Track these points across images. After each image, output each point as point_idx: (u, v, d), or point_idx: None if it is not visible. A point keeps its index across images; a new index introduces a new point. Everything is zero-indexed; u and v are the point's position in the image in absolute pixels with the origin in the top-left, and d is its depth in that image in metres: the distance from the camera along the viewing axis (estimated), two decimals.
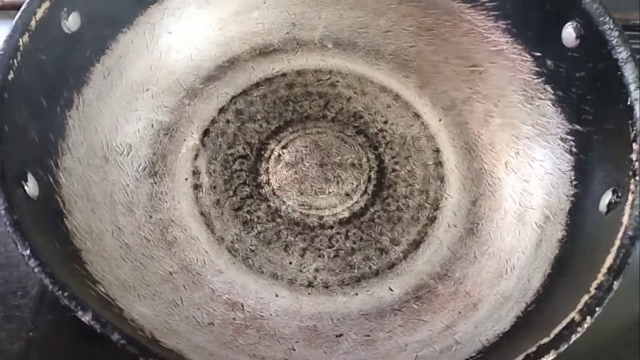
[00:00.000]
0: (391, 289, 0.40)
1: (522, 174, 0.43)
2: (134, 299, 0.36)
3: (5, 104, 0.34)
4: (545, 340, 0.29)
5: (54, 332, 0.42)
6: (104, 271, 0.36)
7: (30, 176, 0.34)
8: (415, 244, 0.42)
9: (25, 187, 0.33)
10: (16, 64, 0.35)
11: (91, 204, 0.39)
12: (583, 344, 0.35)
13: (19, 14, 0.36)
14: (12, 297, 0.43)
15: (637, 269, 0.42)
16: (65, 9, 0.38)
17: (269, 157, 0.45)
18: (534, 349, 0.29)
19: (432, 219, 0.43)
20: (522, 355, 0.28)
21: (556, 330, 0.29)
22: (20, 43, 0.35)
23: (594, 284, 0.30)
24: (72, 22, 0.39)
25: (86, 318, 0.28)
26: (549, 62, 0.42)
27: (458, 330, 0.37)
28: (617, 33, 0.37)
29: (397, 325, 0.38)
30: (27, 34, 0.36)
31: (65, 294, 0.28)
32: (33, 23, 0.36)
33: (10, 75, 0.34)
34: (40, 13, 0.36)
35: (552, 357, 0.28)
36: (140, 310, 0.35)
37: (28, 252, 0.29)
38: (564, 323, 0.29)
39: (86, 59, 0.41)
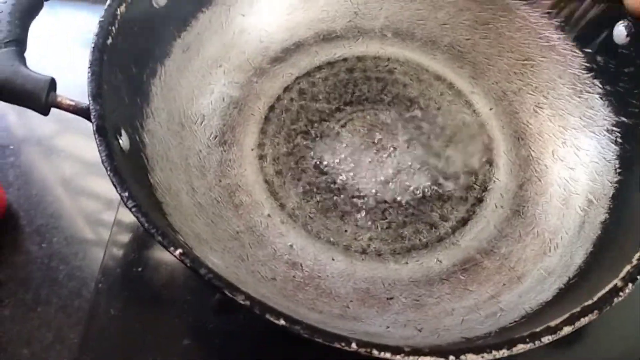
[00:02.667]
0: (439, 260, 0.43)
1: (568, 162, 0.45)
2: (207, 250, 0.39)
3: (105, 65, 0.37)
4: (589, 302, 0.31)
5: (119, 288, 0.45)
6: (182, 223, 0.39)
7: (123, 132, 0.37)
8: (464, 221, 0.44)
9: (120, 141, 0.37)
10: (114, 31, 0.39)
11: (170, 164, 0.42)
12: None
13: None
14: (74, 258, 0.47)
15: None
16: None
17: (329, 134, 0.48)
18: (578, 309, 0.31)
19: (480, 200, 0.45)
20: (567, 314, 0.31)
21: (600, 294, 0.32)
22: (118, 12, 0.39)
23: (637, 256, 0.33)
24: None
25: (177, 253, 0.31)
26: (599, 58, 0.44)
27: (502, 299, 0.39)
28: None
29: (445, 292, 0.41)
30: (124, 4, 0.40)
31: (158, 232, 0.32)
32: None
33: (109, 40, 0.38)
34: None
35: (594, 317, 0.31)
36: (213, 260, 0.38)
37: (127, 194, 0.32)
38: (607, 288, 0.32)
39: (169, 33, 0.45)
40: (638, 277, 0.32)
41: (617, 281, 0.32)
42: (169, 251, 0.31)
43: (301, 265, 0.42)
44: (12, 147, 0.52)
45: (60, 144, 0.52)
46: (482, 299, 0.40)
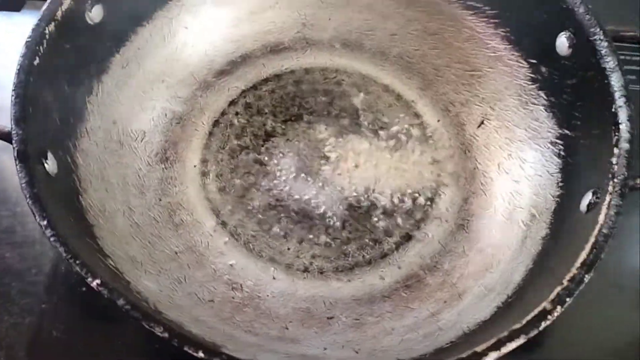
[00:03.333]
0: (382, 277, 0.42)
1: (513, 175, 0.45)
2: (140, 274, 0.38)
3: (31, 86, 0.36)
4: (517, 325, 0.31)
5: (65, 306, 0.44)
6: (114, 246, 0.38)
7: (50, 155, 0.37)
8: (408, 237, 0.44)
9: (45, 165, 0.36)
10: (42, 51, 0.38)
11: (105, 185, 0.41)
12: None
13: (46, 4, 0.39)
14: (28, 273, 0.46)
15: (637, 279, 0.44)
16: (89, 1, 0.41)
17: (274, 149, 0.47)
18: (505, 333, 0.31)
19: (426, 214, 0.45)
20: (494, 339, 0.30)
21: (528, 318, 0.31)
22: (47, 31, 0.38)
23: (567, 277, 0.32)
24: (95, 13, 0.42)
25: (95, 283, 0.30)
26: (543, 69, 0.44)
27: (442, 317, 0.39)
28: (606, 43, 0.39)
29: (386, 311, 0.40)
30: (53, 23, 0.39)
31: (77, 261, 0.31)
32: (59, 13, 0.39)
33: (37, 61, 0.37)
34: (66, 4, 0.39)
35: (521, 342, 0.30)
36: (146, 284, 0.38)
37: (45, 222, 0.32)
38: (535, 311, 0.31)
39: (107, 50, 0.44)
40: (567, 299, 0.31)
41: (545, 304, 0.32)
42: (87, 282, 0.31)
43: (241, 285, 0.41)
44: None
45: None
46: (422, 317, 0.39)
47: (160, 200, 0.44)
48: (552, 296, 0.32)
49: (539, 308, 0.32)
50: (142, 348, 0.42)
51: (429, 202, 0.45)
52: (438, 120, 0.49)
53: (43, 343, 0.42)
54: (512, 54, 0.46)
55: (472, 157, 0.47)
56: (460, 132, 0.48)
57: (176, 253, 0.42)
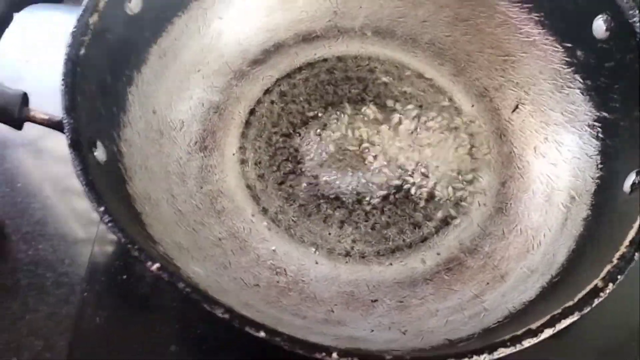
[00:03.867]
0: (423, 261, 0.43)
1: (550, 158, 0.45)
2: (188, 260, 0.39)
3: (78, 77, 0.37)
4: (570, 303, 0.31)
5: (106, 295, 0.45)
6: (162, 233, 0.39)
7: (99, 144, 0.37)
8: (447, 221, 0.44)
9: (95, 153, 0.36)
10: (87, 41, 0.38)
11: (149, 173, 0.42)
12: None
13: None
14: (61, 264, 0.46)
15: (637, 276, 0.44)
16: None
17: (311, 136, 0.47)
18: (559, 310, 0.31)
19: (463, 198, 0.45)
20: (548, 316, 0.31)
21: (580, 295, 0.32)
22: (91, 22, 0.39)
23: (617, 255, 0.33)
24: (134, 4, 0.42)
25: (155, 267, 0.31)
26: (579, 53, 0.44)
27: (486, 299, 0.39)
28: None
29: (429, 293, 0.41)
30: (96, 14, 0.39)
31: (136, 246, 0.31)
32: (101, 4, 0.39)
33: (82, 51, 0.38)
34: None
35: (575, 319, 0.31)
36: (194, 269, 0.38)
37: (103, 209, 0.32)
38: (587, 289, 0.32)
39: (145, 40, 0.45)
40: (618, 277, 0.32)
41: (597, 281, 0.32)
42: (146, 266, 0.31)
43: (285, 270, 0.42)
44: None
45: (45, 147, 0.52)
46: (465, 298, 0.40)
47: (201, 187, 0.44)
48: (602, 274, 0.32)
49: (591, 286, 0.32)
50: (181, 336, 0.43)
51: (466, 186, 0.46)
52: (472, 106, 0.49)
53: (83, 332, 0.43)
54: (547, 39, 0.46)
55: (507, 141, 0.47)
56: (495, 117, 0.48)
57: (220, 239, 0.42)
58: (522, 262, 0.41)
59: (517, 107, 0.48)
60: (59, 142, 0.49)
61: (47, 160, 0.51)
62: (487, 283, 0.40)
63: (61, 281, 0.46)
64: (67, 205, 0.49)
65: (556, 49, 0.46)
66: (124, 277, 0.45)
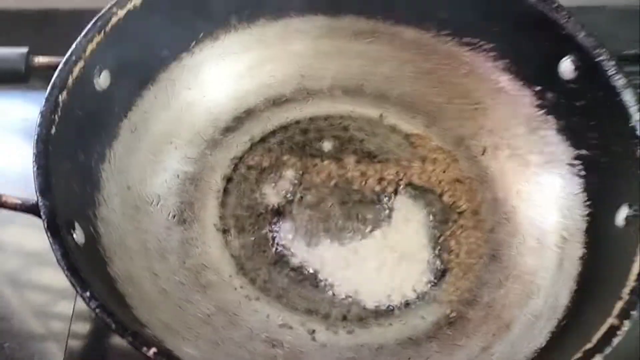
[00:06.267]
0: (423, 317, 0.41)
1: (535, 200, 0.45)
2: (179, 342, 0.36)
3: (51, 157, 0.35)
4: (589, 345, 0.30)
5: None
6: (148, 315, 0.36)
7: (77, 225, 0.35)
8: (442, 273, 0.43)
9: (74, 235, 0.34)
10: (57, 119, 0.37)
11: (129, 252, 0.40)
12: None
13: (56, 72, 0.38)
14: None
15: None
16: (97, 67, 0.40)
17: (292, 199, 0.46)
18: (579, 354, 0.30)
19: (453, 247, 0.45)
20: None
21: (598, 335, 0.31)
22: (60, 99, 0.37)
23: (626, 290, 0.32)
24: (103, 79, 0.41)
25: (151, 352, 0.28)
26: (549, 95, 0.45)
27: (495, 350, 0.38)
28: (612, 62, 0.40)
29: (434, 351, 0.39)
30: (65, 91, 0.38)
31: (128, 331, 0.29)
32: (70, 81, 0.38)
33: (53, 130, 0.36)
34: (76, 71, 0.38)
35: None
36: (187, 351, 0.36)
37: (88, 294, 0.30)
38: (604, 329, 0.31)
39: (115, 115, 0.43)
40: (633, 312, 0.31)
41: (612, 320, 0.31)
42: (141, 352, 0.29)
43: (281, 342, 0.39)
44: None
45: (5, 239, 0.49)
46: (474, 353, 0.39)
47: (184, 262, 0.42)
48: (616, 311, 0.31)
49: (606, 325, 0.31)
50: None
51: (454, 234, 0.45)
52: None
53: None
54: (515, 84, 0.47)
55: (489, 187, 0.47)
56: (473, 165, 0.48)
57: (208, 315, 0.40)
58: (525, 308, 0.40)
59: (485, 150, 0.47)
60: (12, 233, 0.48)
61: (3, 254, 0.48)
62: (493, 334, 0.39)
63: None
64: (29, 300, 0.46)
65: (525, 94, 0.47)
66: None
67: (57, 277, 0.44)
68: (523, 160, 0.47)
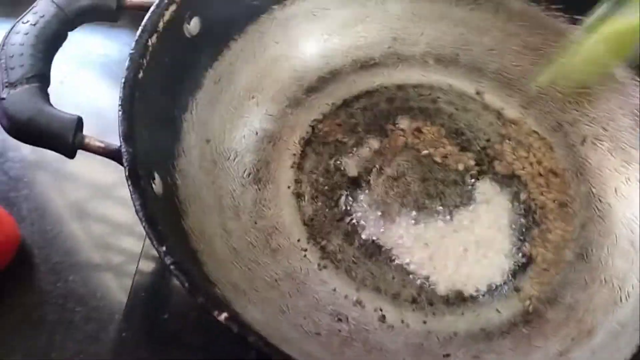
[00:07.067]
0: (498, 311, 0.39)
1: (633, 200, 0.42)
2: (245, 304, 0.36)
3: (136, 102, 0.34)
4: None
5: (145, 338, 0.42)
6: (218, 273, 0.36)
7: (156, 175, 0.34)
8: (523, 266, 0.41)
9: (153, 185, 0.33)
10: (145, 64, 0.35)
11: (203, 207, 0.39)
12: None
13: (148, 15, 0.37)
14: (92, 298, 0.43)
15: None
16: (189, 12, 0.39)
17: (371, 170, 0.44)
18: None
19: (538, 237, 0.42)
20: None
21: None
22: (150, 43, 0.36)
23: None
24: (193, 26, 0.40)
25: (222, 317, 0.27)
26: None
27: (573, 357, 0.36)
28: None
29: (507, 348, 0.37)
30: (155, 35, 0.36)
31: (202, 293, 0.28)
32: (161, 24, 0.37)
33: (140, 74, 0.35)
34: (167, 15, 0.37)
35: None
36: (253, 315, 0.35)
37: (164, 248, 0.29)
38: None
39: (201, 64, 0.42)
40: None
41: None
42: (212, 315, 0.28)
43: (347, 317, 0.38)
44: (25, 179, 0.48)
45: (76, 170, 0.49)
46: (549, 356, 0.36)
47: (255, 223, 0.41)
48: None
49: None
50: None
51: (539, 226, 0.42)
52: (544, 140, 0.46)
53: None
54: (627, 73, 0.43)
55: (585, 180, 0.44)
56: (569, 154, 0.45)
57: (276, 280, 0.39)
58: (610, 315, 0.37)
59: (584, 140, 0.44)
60: (86, 165, 0.47)
61: (74, 184, 0.48)
62: (573, 339, 0.37)
63: (91, 317, 0.42)
64: (97, 237, 0.46)
65: (636, 83, 0.43)
66: (165, 316, 0.42)
67: (124, 212, 0.46)
68: (626, 155, 0.43)
